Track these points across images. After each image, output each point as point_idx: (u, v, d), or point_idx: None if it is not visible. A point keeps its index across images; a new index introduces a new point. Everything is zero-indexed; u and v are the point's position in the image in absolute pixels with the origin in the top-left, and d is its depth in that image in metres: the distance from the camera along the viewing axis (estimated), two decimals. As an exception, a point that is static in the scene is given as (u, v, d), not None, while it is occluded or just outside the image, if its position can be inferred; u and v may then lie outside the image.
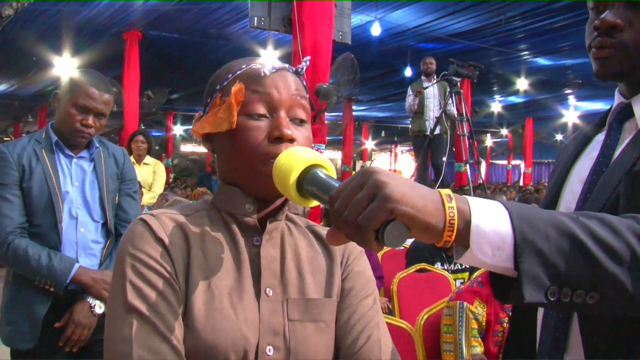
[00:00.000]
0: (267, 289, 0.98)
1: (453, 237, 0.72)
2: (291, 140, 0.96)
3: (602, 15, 1.04)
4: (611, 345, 0.96)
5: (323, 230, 1.11)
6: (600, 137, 1.14)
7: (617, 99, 1.14)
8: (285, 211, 1.06)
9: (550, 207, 1.16)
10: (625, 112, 1.10)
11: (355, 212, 0.70)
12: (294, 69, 1.04)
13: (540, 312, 1.12)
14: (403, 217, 0.69)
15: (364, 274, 1.09)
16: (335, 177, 0.83)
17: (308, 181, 0.83)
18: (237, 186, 1.01)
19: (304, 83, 1.05)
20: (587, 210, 1.01)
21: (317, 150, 5.13)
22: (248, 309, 0.95)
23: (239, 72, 1.00)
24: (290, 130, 0.96)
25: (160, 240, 0.93)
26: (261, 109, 0.97)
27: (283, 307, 0.98)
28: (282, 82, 0.99)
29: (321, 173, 0.83)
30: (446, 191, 0.74)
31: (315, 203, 0.85)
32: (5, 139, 21.54)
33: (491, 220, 0.72)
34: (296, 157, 0.86)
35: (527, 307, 1.08)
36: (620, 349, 0.95)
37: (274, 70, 0.99)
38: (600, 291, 0.74)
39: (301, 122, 1.01)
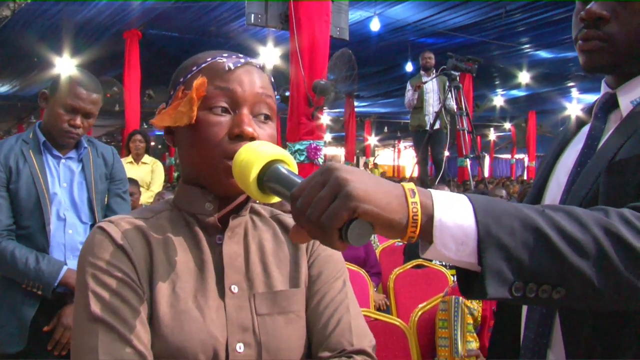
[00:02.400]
0: (232, 286, 0.96)
1: (417, 232, 0.70)
2: (252, 139, 0.93)
3: (588, 6, 1.02)
4: (591, 340, 0.94)
5: (288, 219, 1.10)
6: (586, 129, 1.12)
7: (604, 89, 1.12)
8: (249, 206, 1.04)
9: (536, 199, 1.15)
10: (610, 103, 1.09)
11: (317, 211, 0.68)
12: (260, 64, 1.02)
13: (525, 307, 1.11)
14: (366, 215, 0.67)
15: (332, 257, 1.08)
16: (297, 172, 0.81)
17: (269, 177, 0.81)
18: (197, 184, 0.99)
19: (271, 80, 1.03)
20: (569, 202, 1.00)
21: (316, 147, 5.12)
22: (214, 308, 0.94)
23: (203, 65, 0.98)
24: (252, 127, 0.94)
25: (120, 247, 0.91)
26: (223, 104, 0.95)
27: (250, 302, 0.97)
28: (246, 77, 0.97)
29: (282, 168, 0.81)
30: (409, 185, 0.72)
31: (277, 199, 0.84)
32: (9, 139, 21.59)
33: (455, 215, 0.71)
34: (256, 153, 0.84)
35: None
36: (599, 345, 0.93)
37: (238, 65, 0.97)
38: (566, 286, 0.72)
39: (266, 118, 0.98)
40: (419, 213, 0.69)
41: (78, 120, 2.11)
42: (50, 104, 2.13)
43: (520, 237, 0.71)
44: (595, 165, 1.00)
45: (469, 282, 0.75)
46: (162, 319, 0.90)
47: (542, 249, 0.71)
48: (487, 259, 0.70)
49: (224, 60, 0.97)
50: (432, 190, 0.73)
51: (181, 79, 0.99)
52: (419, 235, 0.71)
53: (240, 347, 0.93)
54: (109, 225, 0.93)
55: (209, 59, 0.98)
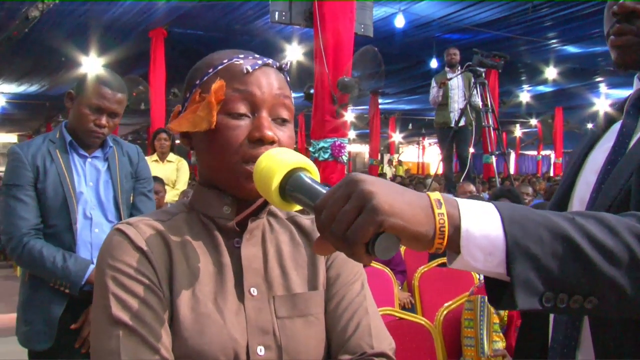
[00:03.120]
0: (251, 289, 0.96)
1: (444, 243, 0.69)
2: (272, 142, 0.92)
3: (621, 1, 0.99)
4: (620, 342, 0.92)
5: (305, 221, 1.09)
6: (616, 127, 1.09)
7: (636, 85, 1.09)
8: (268, 209, 1.03)
9: (564, 198, 1.12)
10: None
11: (343, 225, 0.67)
12: (278, 64, 1.00)
13: None
14: (393, 229, 0.66)
15: (350, 259, 1.07)
16: (319, 179, 0.80)
17: (292, 186, 0.80)
18: (214, 187, 0.98)
19: (288, 79, 1.02)
20: (599, 201, 0.98)
21: (340, 145, 5.10)
22: (234, 311, 0.93)
23: (219, 67, 0.96)
24: (272, 131, 0.93)
25: (139, 249, 0.91)
26: (242, 108, 0.93)
27: (270, 305, 0.96)
28: (264, 79, 0.95)
29: (305, 177, 0.80)
30: (435, 195, 0.71)
31: (298, 207, 0.82)
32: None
33: (482, 225, 0.69)
34: (278, 160, 0.82)
35: None
36: (628, 347, 0.91)
37: (256, 67, 0.95)
38: (599, 296, 0.71)
39: (283, 121, 0.97)
40: (446, 224, 0.68)
41: (104, 120, 2.13)
42: (76, 104, 2.15)
43: (550, 246, 0.69)
44: (627, 165, 0.97)
45: (498, 291, 0.73)
46: (183, 322, 0.89)
47: (573, 259, 0.70)
48: (516, 269, 0.68)
49: (241, 61, 0.96)
50: (458, 199, 0.72)
51: (197, 82, 0.97)
52: (446, 247, 0.69)
53: (260, 350, 0.93)
54: (128, 228, 0.93)
55: (225, 61, 0.96)
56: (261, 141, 0.92)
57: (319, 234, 1.04)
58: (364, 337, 1.00)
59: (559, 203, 1.13)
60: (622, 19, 1.00)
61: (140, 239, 0.92)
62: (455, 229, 0.69)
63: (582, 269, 0.70)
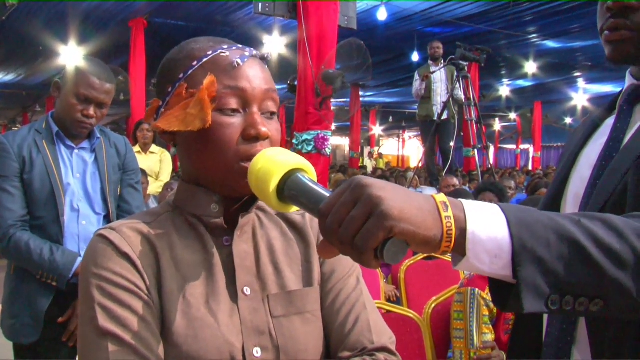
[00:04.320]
0: (245, 288, 0.93)
1: (451, 246, 0.68)
2: (266, 138, 0.91)
3: None
4: (617, 338, 0.93)
5: (295, 216, 1.06)
6: (610, 121, 1.10)
7: (628, 80, 1.09)
8: (257, 203, 1.00)
9: (558, 193, 1.12)
10: (636, 94, 1.06)
11: (351, 231, 0.66)
12: (261, 55, 0.97)
13: None
14: (403, 235, 0.65)
15: None
16: (316, 180, 0.79)
17: (290, 187, 0.78)
18: (200, 185, 0.95)
19: (267, 69, 0.99)
20: (595, 197, 0.98)
21: (323, 137, 5.09)
22: (227, 312, 0.91)
23: (205, 60, 0.92)
24: (266, 127, 0.91)
25: (124, 255, 0.87)
26: (234, 104, 0.90)
27: (265, 304, 0.94)
28: (253, 73, 0.93)
29: (304, 178, 0.78)
30: (441, 198, 0.70)
31: (295, 208, 0.81)
32: (14, 128, 21.62)
33: (488, 227, 0.69)
34: (275, 162, 0.80)
35: None
36: (626, 342, 0.92)
37: (245, 60, 0.92)
38: (605, 298, 0.71)
39: (271, 114, 0.95)
40: (453, 228, 0.68)
41: (91, 110, 2.10)
42: (63, 94, 2.11)
43: (556, 249, 0.69)
44: (623, 161, 0.97)
45: (503, 293, 0.73)
46: (175, 328, 0.87)
47: (579, 261, 0.70)
48: (522, 272, 0.68)
49: (227, 53, 0.92)
50: (463, 201, 0.71)
51: (180, 75, 0.92)
52: (452, 249, 0.69)
53: (257, 352, 0.90)
54: (111, 233, 0.89)
55: (209, 52, 0.93)
56: (256, 138, 0.90)
57: (315, 234, 1.04)
58: (363, 332, 0.98)
59: (553, 198, 1.13)
60: (617, 14, 1.00)
61: (125, 244, 0.88)
62: (462, 231, 0.68)
63: (588, 271, 0.70)
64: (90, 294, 0.85)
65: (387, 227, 0.64)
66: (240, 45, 0.96)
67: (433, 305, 2.52)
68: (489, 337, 2.34)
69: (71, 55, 9.82)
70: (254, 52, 0.96)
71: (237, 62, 0.91)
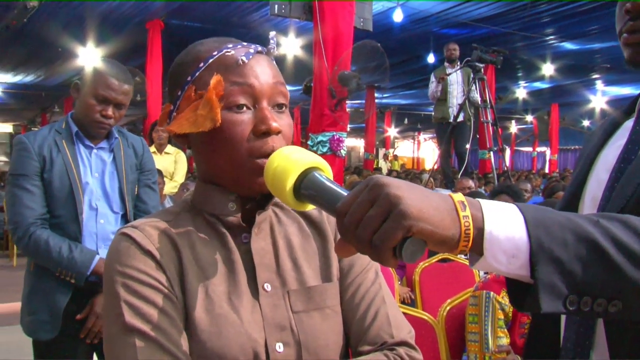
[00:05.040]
0: (265, 284, 0.94)
1: (469, 246, 0.69)
2: (278, 133, 0.91)
3: None
4: (636, 342, 0.91)
5: (312, 211, 1.06)
6: (628, 124, 1.08)
7: None
8: (273, 201, 1.01)
9: (575, 196, 1.11)
10: None
11: (369, 230, 0.66)
12: (266, 49, 0.97)
13: None
14: (421, 234, 0.66)
15: None
16: (332, 178, 0.79)
17: (307, 186, 0.78)
18: (216, 184, 0.96)
19: (274, 63, 0.99)
20: (614, 200, 0.97)
21: (338, 139, 5.08)
22: (249, 308, 0.92)
23: (210, 60, 0.92)
24: (276, 122, 0.91)
25: (148, 252, 0.89)
26: (242, 100, 0.91)
27: (285, 300, 0.95)
28: (259, 69, 0.93)
29: (321, 177, 0.78)
30: (459, 197, 0.70)
31: (312, 207, 0.81)
32: (33, 128, 21.87)
33: (505, 227, 0.69)
34: (292, 160, 0.80)
35: None
36: None
37: (250, 57, 0.92)
38: (623, 299, 0.70)
39: (281, 107, 0.95)
40: (471, 227, 0.68)
41: (110, 111, 2.13)
42: (82, 95, 2.14)
43: (574, 249, 0.69)
44: None
45: (520, 293, 0.73)
46: (199, 324, 0.88)
47: (597, 262, 0.69)
48: (540, 272, 0.68)
49: (232, 52, 0.92)
50: (480, 201, 0.71)
51: (188, 78, 0.93)
52: (470, 249, 0.69)
53: (279, 347, 0.91)
54: (133, 231, 0.90)
55: (215, 53, 0.93)
56: (267, 133, 0.90)
57: (333, 230, 1.05)
58: (383, 327, 0.98)
59: (571, 201, 1.12)
60: (635, 17, 0.99)
61: (148, 241, 0.89)
62: (479, 231, 0.68)
63: (607, 272, 0.69)
64: (115, 292, 0.86)
65: (405, 227, 0.65)
66: (245, 43, 0.96)
67: (448, 308, 2.52)
68: (504, 340, 2.32)
69: (89, 57, 9.92)
70: (260, 48, 0.96)
71: (242, 59, 0.91)
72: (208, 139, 0.91)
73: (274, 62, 0.98)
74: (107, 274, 0.89)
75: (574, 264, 0.69)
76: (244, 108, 0.91)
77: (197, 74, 0.92)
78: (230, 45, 0.94)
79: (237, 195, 0.95)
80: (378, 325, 0.98)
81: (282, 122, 0.93)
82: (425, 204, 0.66)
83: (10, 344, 3.88)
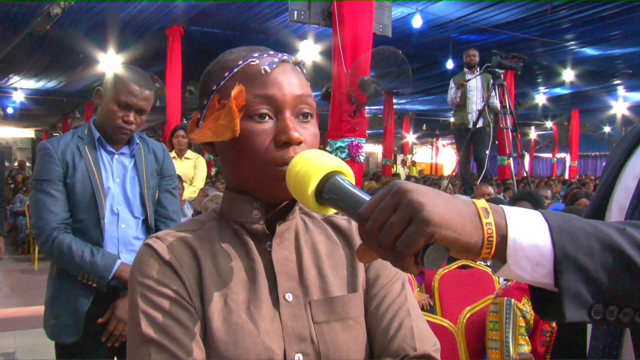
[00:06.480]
0: (287, 294, 0.93)
1: (492, 253, 0.68)
2: (299, 143, 0.90)
3: None
4: None
5: (341, 221, 1.06)
6: None
7: None
8: (296, 209, 1.00)
9: (602, 204, 1.10)
10: None
11: (391, 237, 0.66)
12: (293, 59, 0.96)
13: None
14: (443, 241, 0.65)
15: None
16: (354, 182, 0.79)
17: (329, 190, 0.78)
18: (242, 192, 0.96)
19: (304, 73, 0.98)
20: None
21: (357, 145, 5.08)
22: (268, 318, 0.91)
23: (235, 70, 0.92)
24: (297, 132, 0.90)
25: (167, 263, 0.89)
26: (264, 110, 0.90)
27: (306, 310, 0.94)
28: (284, 79, 0.92)
29: (343, 181, 0.78)
30: (482, 203, 0.69)
31: (333, 211, 0.81)
32: (54, 134, 22.17)
33: (529, 234, 0.68)
34: (314, 164, 0.80)
35: None
36: None
37: (274, 66, 0.91)
38: None
39: (306, 117, 0.94)
40: (494, 234, 0.67)
41: (131, 117, 2.15)
42: (104, 101, 2.16)
43: (600, 258, 0.68)
44: None
45: (544, 301, 0.72)
46: (216, 334, 0.87)
47: (624, 271, 0.68)
48: (564, 281, 0.67)
49: (257, 61, 0.92)
50: (504, 207, 0.70)
51: (214, 87, 0.94)
52: (493, 256, 0.68)
53: (299, 358, 0.90)
54: (156, 242, 0.91)
55: (240, 62, 0.93)
56: (288, 144, 0.89)
57: (360, 240, 1.04)
58: (406, 339, 0.96)
59: (597, 209, 1.11)
60: None
61: (168, 252, 0.90)
62: (502, 238, 0.68)
63: (633, 281, 0.68)
64: (135, 302, 0.88)
65: (428, 233, 0.64)
66: (272, 52, 0.95)
67: (468, 315, 2.49)
68: (526, 348, 2.29)
69: (110, 63, 10.04)
70: (285, 57, 0.95)
71: (264, 69, 0.91)
72: (231, 148, 0.91)
73: (303, 70, 0.98)
74: (130, 284, 0.91)
75: (600, 272, 0.68)
76: (266, 117, 0.90)
77: (222, 84, 0.93)
78: (256, 55, 0.93)
79: (261, 202, 0.95)
80: (401, 337, 0.97)
81: (306, 132, 0.92)
82: (448, 210, 0.66)
83: (34, 347, 3.95)
